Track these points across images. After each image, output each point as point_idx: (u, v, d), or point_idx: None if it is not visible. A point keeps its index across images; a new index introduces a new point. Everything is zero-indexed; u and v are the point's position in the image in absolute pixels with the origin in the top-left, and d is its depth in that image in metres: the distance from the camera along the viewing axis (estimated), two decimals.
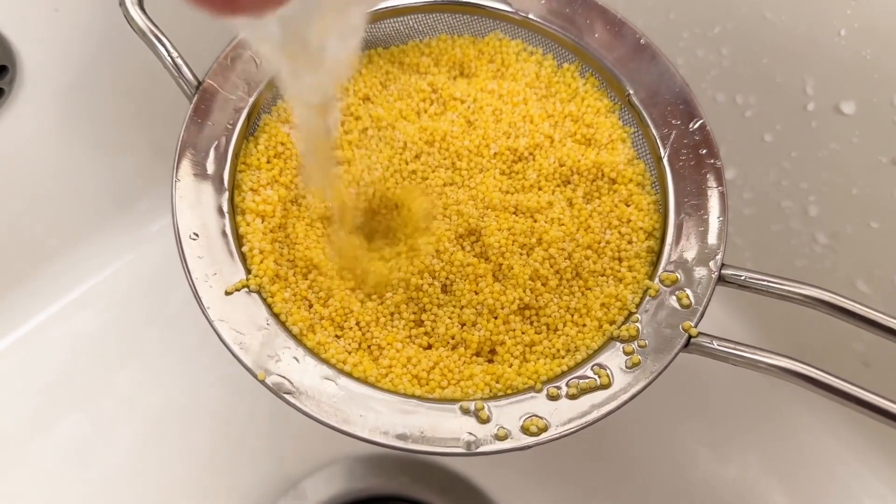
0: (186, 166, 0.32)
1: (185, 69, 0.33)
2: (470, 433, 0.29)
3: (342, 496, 0.45)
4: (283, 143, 0.35)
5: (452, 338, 0.32)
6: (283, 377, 0.30)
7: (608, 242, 0.34)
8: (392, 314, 0.33)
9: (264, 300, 0.31)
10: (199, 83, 0.33)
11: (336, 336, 0.32)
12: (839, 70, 0.40)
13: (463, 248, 0.33)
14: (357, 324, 0.32)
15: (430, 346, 0.32)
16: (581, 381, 0.30)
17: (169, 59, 0.33)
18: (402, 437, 0.29)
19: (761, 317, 0.48)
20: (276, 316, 0.31)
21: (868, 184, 0.41)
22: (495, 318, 0.32)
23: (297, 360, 0.30)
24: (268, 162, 0.34)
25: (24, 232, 0.46)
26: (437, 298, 0.32)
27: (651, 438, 0.47)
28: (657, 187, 0.35)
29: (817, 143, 0.42)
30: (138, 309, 0.49)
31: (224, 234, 0.32)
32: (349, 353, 0.31)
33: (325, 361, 0.31)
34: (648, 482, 0.47)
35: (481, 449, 0.29)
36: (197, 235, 0.31)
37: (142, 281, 0.49)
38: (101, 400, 0.46)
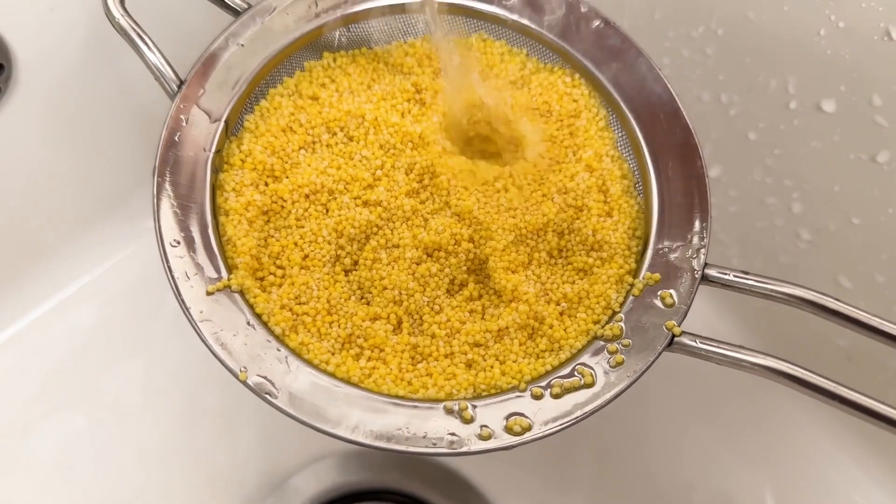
0: (168, 166, 0.32)
1: (166, 68, 0.33)
2: (453, 433, 0.29)
3: (334, 490, 0.45)
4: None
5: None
6: (265, 377, 0.29)
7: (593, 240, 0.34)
8: (380, 317, 0.32)
9: (246, 301, 0.31)
10: (182, 82, 0.33)
11: (319, 336, 0.32)
12: (820, 69, 0.40)
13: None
14: (342, 317, 0.32)
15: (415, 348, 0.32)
16: (565, 380, 0.30)
17: (151, 58, 0.33)
18: (384, 437, 0.29)
19: (746, 310, 0.49)
20: (258, 316, 0.31)
21: (849, 181, 0.42)
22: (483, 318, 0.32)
23: (279, 360, 0.30)
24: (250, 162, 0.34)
25: (20, 228, 0.46)
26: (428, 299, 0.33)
27: (641, 434, 0.48)
28: (640, 187, 0.35)
29: (800, 140, 0.43)
30: (133, 305, 0.49)
31: (205, 233, 0.32)
32: (332, 354, 0.31)
33: (308, 362, 0.31)
34: (637, 477, 0.47)
35: (464, 449, 0.29)
36: (178, 242, 0.31)
37: (137, 277, 0.50)
38: (96, 396, 0.46)
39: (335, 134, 0.35)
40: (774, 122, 0.44)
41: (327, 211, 0.33)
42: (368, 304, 0.33)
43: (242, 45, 0.35)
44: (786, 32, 0.41)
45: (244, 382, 0.29)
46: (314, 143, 0.35)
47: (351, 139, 0.35)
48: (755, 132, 0.45)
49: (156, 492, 0.45)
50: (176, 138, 0.33)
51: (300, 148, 0.35)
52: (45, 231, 0.48)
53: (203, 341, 0.30)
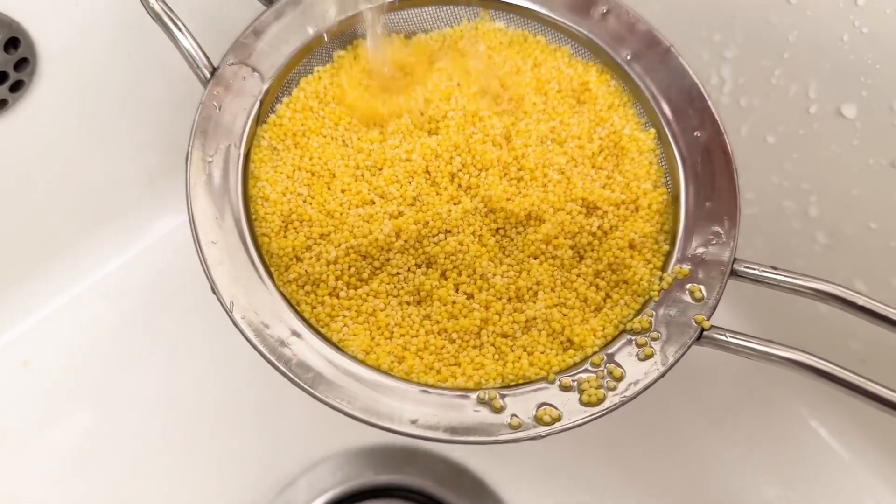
0: (199, 155, 0.32)
1: (199, 54, 0.33)
2: (483, 422, 0.29)
3: (345, 486, 0.45)
4: (294, 134, 0.35)
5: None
6: (307, 365, 0.29)
7: (621, 234, 0.34)
8: (404, 301, 0.32)
9: (282, 294, 0.31)
10: (214, 69, 0.33)
11: (353, 326, 0.32)
12: (841, 74, 0.41)
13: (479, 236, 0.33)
14: (372, 313, 0.32)
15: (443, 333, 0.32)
16: (594, 372, 0.30)
17: (184, 44, 0.33)
18: (421, 426, 0.29)
19: (760, 314, 0.49)
20: (291, 304, 0.31)
21: (867, 185, 0.42)
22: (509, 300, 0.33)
23: (317, 352, 0.30)
24: (279, 153, 0.34)
25: (41, 222, 0.47)
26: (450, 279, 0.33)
27: (653, 434, 0.48)
28: (669, 181, 0.35)
29: (819, 145, 0.43)
30: (151, 299, 0.49)
31: (239, 224, 0.32)
32: (364, 342, 0.31)
33: (344, 352, 0.30)
34: (647, 476, 0.47)
35: (496, 437, 0.29)
36: (215, 241, 0.31)
37: (155, 271, 0.50)
38: (110, 391, 0.46)
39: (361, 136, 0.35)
40: (794, 126, 0.44)
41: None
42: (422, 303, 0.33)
43: (275, 33, 0.35)
44: (808, 37, 0.41)
45: (296, 383, 0.29)
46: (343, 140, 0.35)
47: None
48: (774, 136, 0.45)
49: (164, 490, 0.45)
50: (207, 125, 0.33)
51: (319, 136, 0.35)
52: (65, 224, 0.48)
53: (248, 341, 0.29)
